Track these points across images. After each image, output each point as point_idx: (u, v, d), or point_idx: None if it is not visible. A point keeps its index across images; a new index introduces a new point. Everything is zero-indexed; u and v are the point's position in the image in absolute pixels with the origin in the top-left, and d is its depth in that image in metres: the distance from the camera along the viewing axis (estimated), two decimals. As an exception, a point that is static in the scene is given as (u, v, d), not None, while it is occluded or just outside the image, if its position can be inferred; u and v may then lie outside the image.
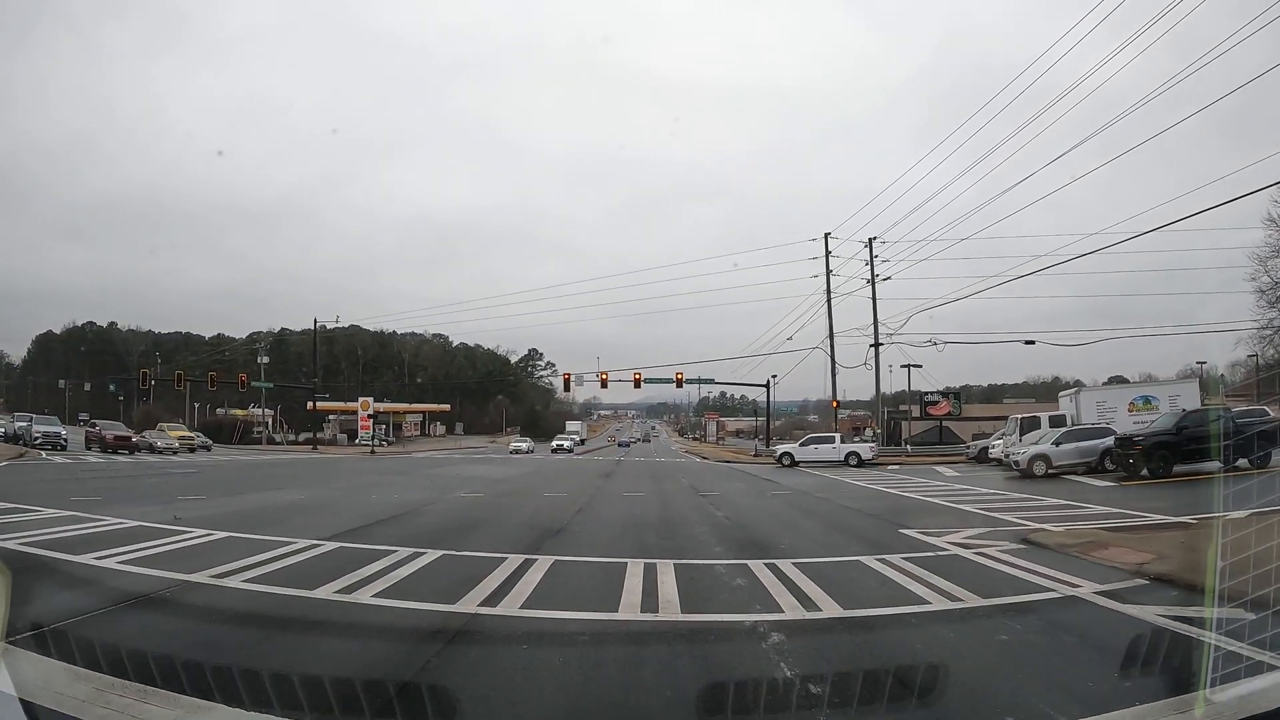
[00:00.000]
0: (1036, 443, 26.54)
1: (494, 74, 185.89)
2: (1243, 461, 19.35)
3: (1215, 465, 19.57)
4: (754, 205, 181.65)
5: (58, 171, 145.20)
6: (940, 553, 10.05)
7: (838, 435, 39.33)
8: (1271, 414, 27.47)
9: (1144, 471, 20.43)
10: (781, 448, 40.66)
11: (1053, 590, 7.68)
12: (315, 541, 10.03)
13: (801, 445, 38.05)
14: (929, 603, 7.04)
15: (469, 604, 6.66)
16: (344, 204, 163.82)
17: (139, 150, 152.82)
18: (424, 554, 9.22)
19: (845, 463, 34.67)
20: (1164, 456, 20.40)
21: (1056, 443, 24.67)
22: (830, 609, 6.73)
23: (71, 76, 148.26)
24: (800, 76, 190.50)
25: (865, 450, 36.11)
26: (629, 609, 6.61)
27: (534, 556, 9.16)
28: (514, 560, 8.83)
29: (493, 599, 6.86)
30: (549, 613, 6.40)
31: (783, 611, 6.60)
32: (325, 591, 7.06)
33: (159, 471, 25.64)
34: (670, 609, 6.62)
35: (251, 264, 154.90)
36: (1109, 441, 23.30)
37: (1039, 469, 23.73)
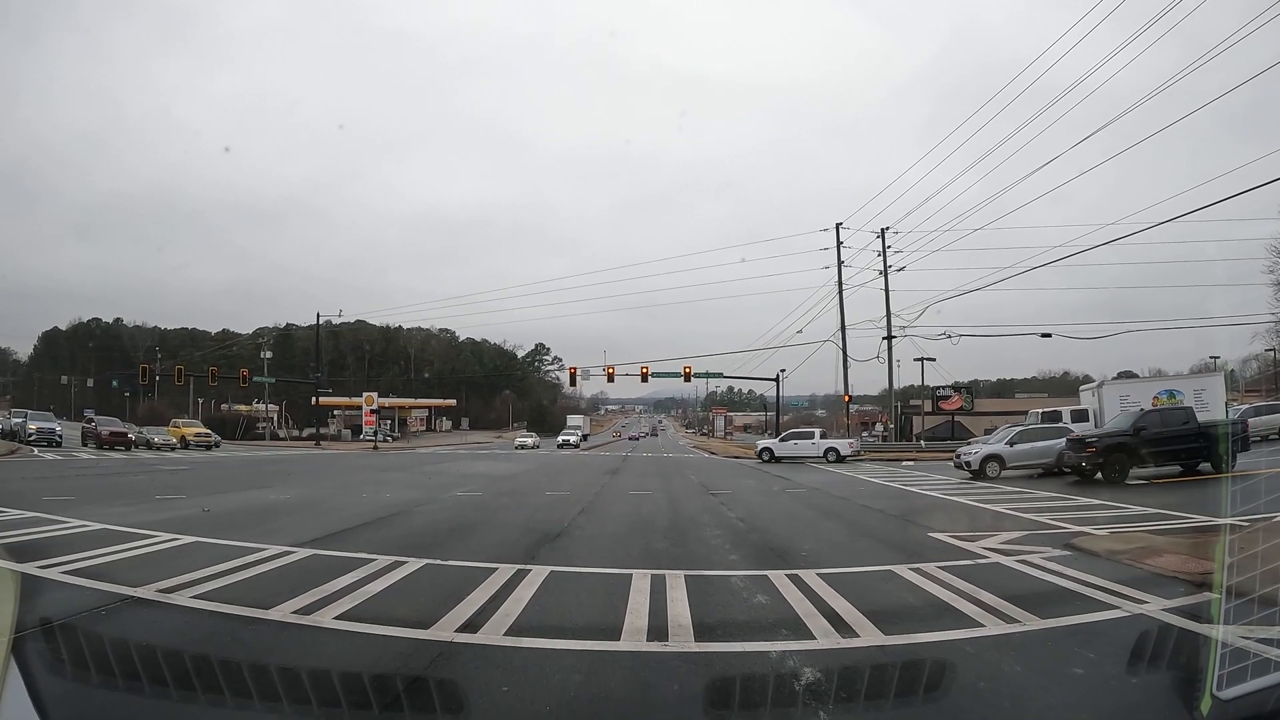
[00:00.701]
0: (988, 442, 25.21)
1: (501, 70, 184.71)
2: (1206, 465, 18.99)
3: (1175, 469, 19.35)
4: (761, 201, 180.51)
5: (66, 171, 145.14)
6: (979, 560, 9.07)
7: (817, 431, 39.07)
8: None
9: (1098, 476, 18.82)
10: (762, 443, 40.25)
11: (1116, 607, 6.72)
12: (288, 548, 9.10)
13: (781, 440, 37.35)
14: (982, 625, 6.06)
15: (445, 629, 5.67)
16: (352, 201, 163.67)
17: (147, 149, 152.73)
18: (405, 563, 8.26)
19: (824, 459, 34.08)
20: (1120, 460, 18.76)
21: (1011, 442, 23.05)
22: (869, 634, 5.73)
23: (79, 76, 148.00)
24: (807, 73, 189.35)
25: (843, 447, 34.92)
26: (633, 636, 5.60)
27: (528, 566, 8.19)
28: (505, 571, 7.86)
29: (474, 622, 5.87)
30: (538, 641, 5.40)
31: (814, 639, 5.60)
32: (281, 611, 6.09)
33: (149, 469, 24.78)
34: (682, 636, 5.62)
35: (259, 261, 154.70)
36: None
37: (993, 470, 22.19)
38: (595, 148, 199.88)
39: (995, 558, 9.23)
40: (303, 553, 8.90)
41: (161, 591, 6.74)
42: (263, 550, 8.91)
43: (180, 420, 49.07)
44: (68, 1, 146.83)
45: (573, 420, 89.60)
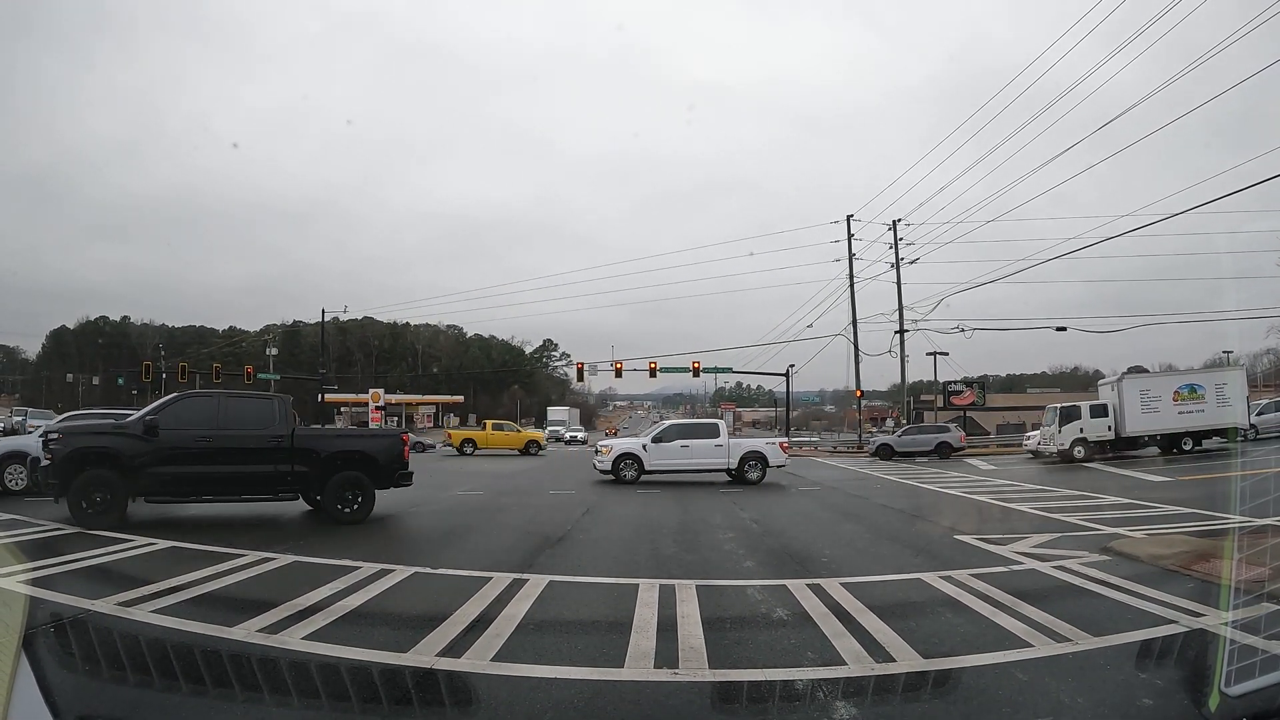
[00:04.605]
0: None
1: (524, 76, 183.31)
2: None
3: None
4: (772, 194, 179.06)
5: (84, 171, 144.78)
6: (1014, 567, 8.41)
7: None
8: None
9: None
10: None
11: (1173, 621, 6.08)
12: (268, 555, 8.46)
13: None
14: (1029, 644, 5.39)
15: (426, 652, 5.01)
16: (373, 203, 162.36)
17: (177, 153, 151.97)
18: (392, 571, 7.62)
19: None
20: (101, 480, 10.56)
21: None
22: (906, 658, 5.06)
23: (106, 80, 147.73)
24: (819, 78, 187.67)
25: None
26: (639, 661, 4.93)
27: (525, 575, 7.53)
28: (500, 581, 7.21)
29: (459, 643, 5.22)
30: (530, 668, 4.73)
31: (845, 664, 4.93)
32: (246, 629, 5.45)
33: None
34: (694, 660, 4.95)
35: (280, 260, 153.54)
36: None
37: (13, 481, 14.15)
38: (609, 147, 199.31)
39: (1030, 564, 8.58)
40: (283, 559, 8.27)
41: (121, 605, 6.13)
42: (241, 556, 8.29)
43: (508, 423, 41.59)
44: (96, 8, 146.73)
45: (555, 414, 73.89)
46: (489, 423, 41.40)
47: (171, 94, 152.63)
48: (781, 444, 22.21)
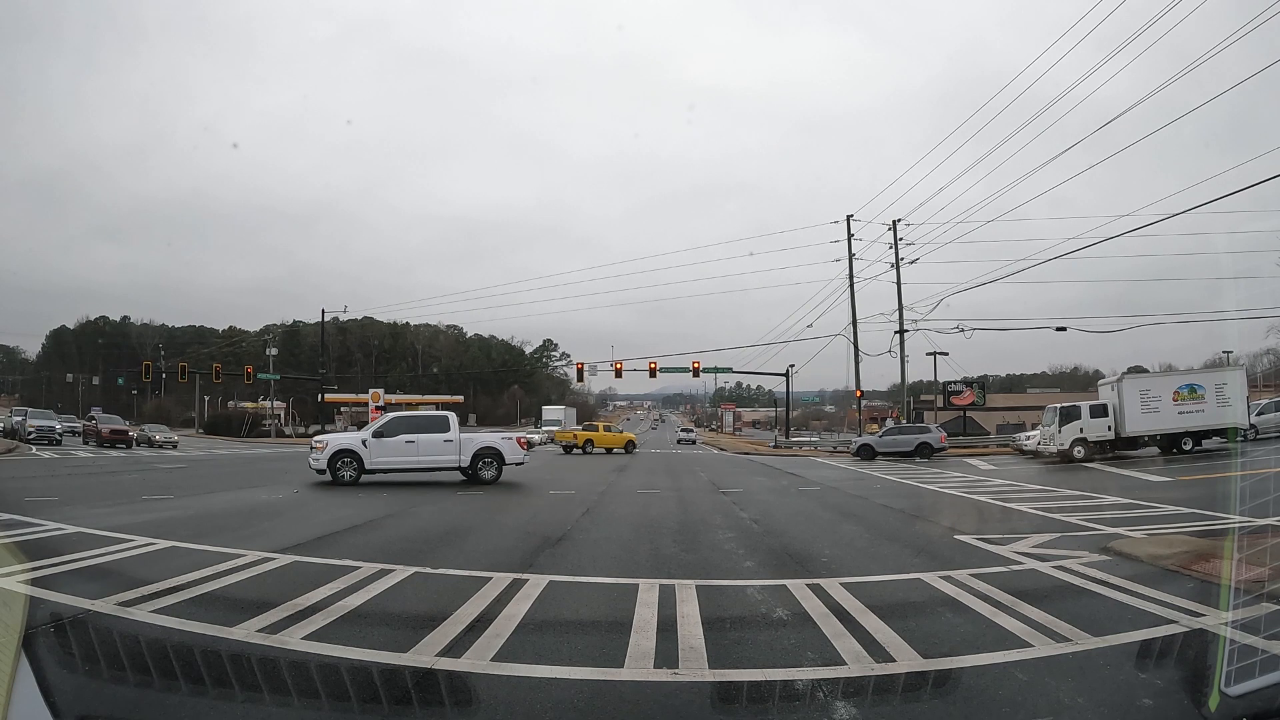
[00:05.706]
0: None
1: (529, 82, 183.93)
2: None
3: None
4: (772, 197, 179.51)
5: (87, 173, 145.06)
6: (1014, 567, 8.41)
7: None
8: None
9: None
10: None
11: (1173, 621, 6.07)
12: (268, 554, 8.46)
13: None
14: (1029, 644, 5.38)
15: (426, 652, 5.01)
16: (373, 205, 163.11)
17: (172, 154, 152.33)
18: (392, 572, 7.61)
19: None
20: None
21: None
22: (906, 658, 5.06)
23: (109, 82, 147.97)
24: (818, 82, 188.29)
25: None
26: (639, 661, 4.93)
27: (525, 575, 7.53)
28: (500, 581, 7.21)
29: (459, 644, 5.21)
30: (530, 668, 4.73)
31: (844, 664, 4.92)
32: (246, 629, 5.45)
33: (145, 467, 24.26)
34: (694, 660, 4.95)
35: (280, 261, 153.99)
36: None
37: None
38: (611, 149, 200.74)
39: (1030, 563, 8.57)
40: (283, 559, 8.27)
41: (120, 605, 6.13)
42: (241, 556, 8.29)
43: (613, 425, 50.19)
44: (101, 11, 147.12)
45: (551, 414, 71.79)
46: (600, 424, 50.24)
47: (176, 97, 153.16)
48: (519, 440, 20.22)
